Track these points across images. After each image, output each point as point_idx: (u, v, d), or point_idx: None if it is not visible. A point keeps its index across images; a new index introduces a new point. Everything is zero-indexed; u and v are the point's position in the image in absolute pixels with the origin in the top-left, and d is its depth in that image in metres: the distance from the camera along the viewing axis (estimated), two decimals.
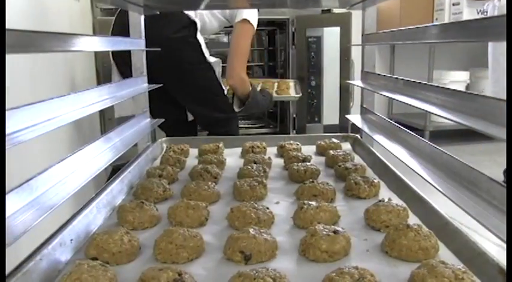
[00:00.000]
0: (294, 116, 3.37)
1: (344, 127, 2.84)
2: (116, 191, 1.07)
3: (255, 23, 1.58)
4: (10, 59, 1.25)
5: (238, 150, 1.47)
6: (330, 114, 3.26)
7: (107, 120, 2.54)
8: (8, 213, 0.68)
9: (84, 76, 2.30)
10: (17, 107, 0.72)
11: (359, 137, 1.51)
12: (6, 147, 0.64)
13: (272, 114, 3.83)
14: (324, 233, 0.76)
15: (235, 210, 0.90)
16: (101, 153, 1.09)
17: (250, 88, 1.66)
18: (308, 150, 1.44)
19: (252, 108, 1.69)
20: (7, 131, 0.67)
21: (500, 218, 0.58)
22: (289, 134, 3.13)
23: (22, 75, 1.36)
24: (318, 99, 3.35)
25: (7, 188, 0.69)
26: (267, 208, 0.92)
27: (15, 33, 0.66)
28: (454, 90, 0.89)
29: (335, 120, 3.17)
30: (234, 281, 0.64)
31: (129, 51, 1.46)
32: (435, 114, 0.89)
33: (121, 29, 1.54)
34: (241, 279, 0.63)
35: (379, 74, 1.38)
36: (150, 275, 0.64)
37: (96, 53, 2.45)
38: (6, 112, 0.67)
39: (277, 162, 1.35)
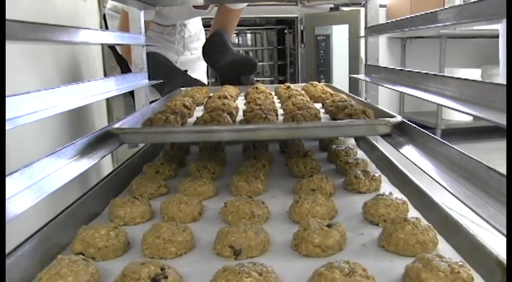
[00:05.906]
0: None
1: None
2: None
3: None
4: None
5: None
6: None
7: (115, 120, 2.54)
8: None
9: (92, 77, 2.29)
10: (25, 93, 0.73)
11: None
12: (7, 128, 0.64)
13: None
14: (317, 227, 0.73)
15: (229, 204, 0.87)
16: None
17: None
18: (311, 145, 1.41)
19: None
20: (11, 115, 0.68)
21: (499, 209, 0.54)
22: None
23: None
24: None
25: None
26: (263, 203, 0.89)
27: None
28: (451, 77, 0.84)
29: None
30: (219, 276, 0.61)
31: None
32: (438, 104, 0.85)
33: None
34: (225, 274, 0.60)
35: (382, 67, 1.35)
36: (131, 269, 0.61)
37: (104, 58, 2.44)
38: (14, 97, 0.69)
39: (279, 158, 1.32)
